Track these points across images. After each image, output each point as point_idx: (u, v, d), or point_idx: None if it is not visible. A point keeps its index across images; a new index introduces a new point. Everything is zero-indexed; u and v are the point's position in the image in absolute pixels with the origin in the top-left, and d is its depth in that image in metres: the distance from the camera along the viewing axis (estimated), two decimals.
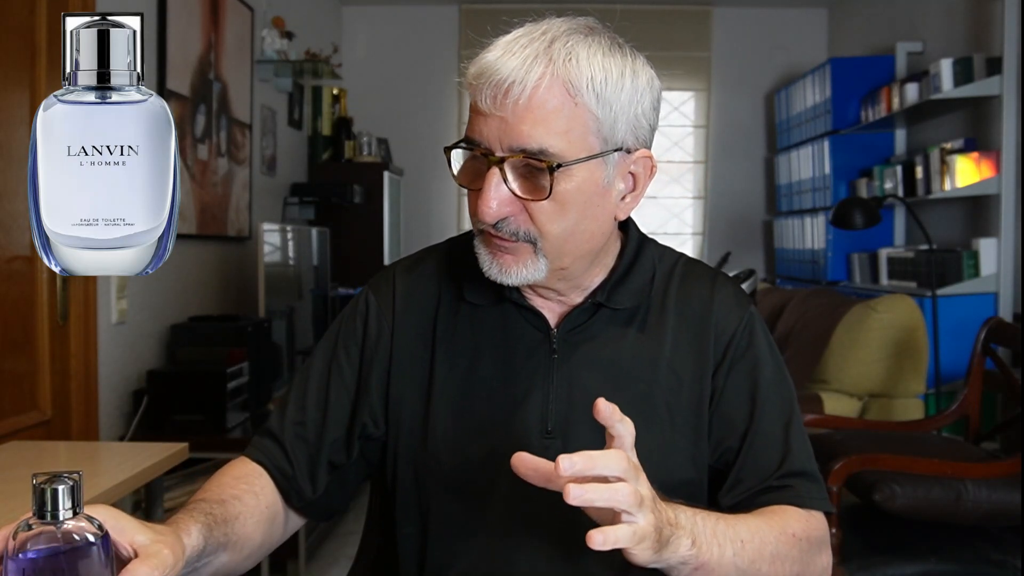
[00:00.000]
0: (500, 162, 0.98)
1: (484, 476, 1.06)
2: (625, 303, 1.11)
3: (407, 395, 1.12)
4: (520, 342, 1.11)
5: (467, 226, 1.09)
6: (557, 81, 0.97)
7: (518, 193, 1.00)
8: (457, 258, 1.17)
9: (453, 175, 1.05)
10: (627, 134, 1.02)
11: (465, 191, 1.07)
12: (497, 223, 1.00)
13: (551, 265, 1.04)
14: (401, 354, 1.13)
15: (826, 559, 1.10)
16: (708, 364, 1.11)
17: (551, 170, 0.98)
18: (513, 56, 0.97)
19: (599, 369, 1.09)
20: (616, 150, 1.02)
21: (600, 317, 1.10)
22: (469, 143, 1.01)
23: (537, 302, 1.12)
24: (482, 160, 1.01)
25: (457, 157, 1.05)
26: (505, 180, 0.99)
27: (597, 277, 1.11)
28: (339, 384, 1.14)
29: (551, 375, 1.09)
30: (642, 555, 0.87)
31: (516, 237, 1.01)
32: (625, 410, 1.05)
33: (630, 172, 1.06)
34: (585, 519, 1.04)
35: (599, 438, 1.03)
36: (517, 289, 1.11)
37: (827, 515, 1.13)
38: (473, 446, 1.08)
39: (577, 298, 1.11)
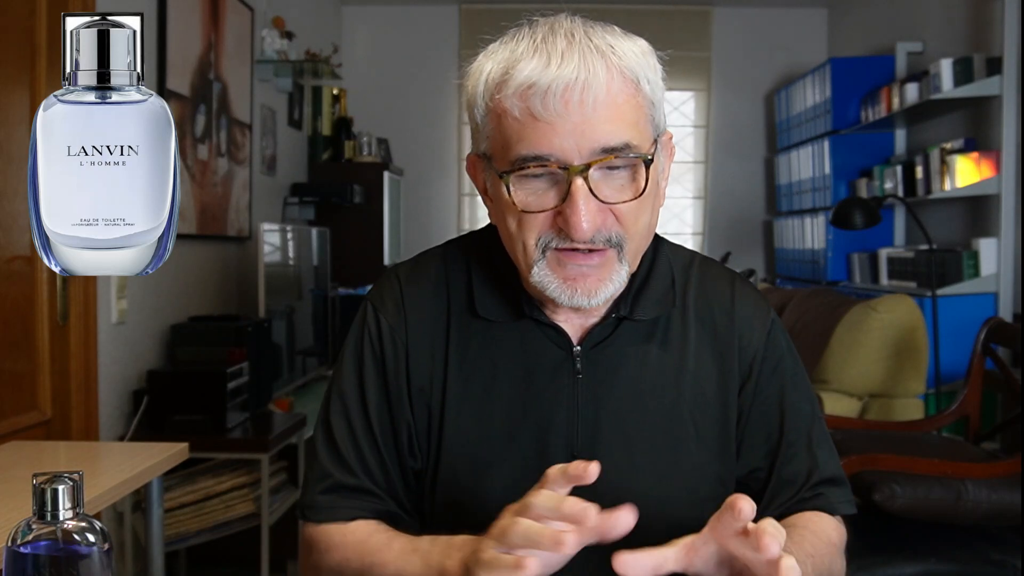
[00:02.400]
0: (584, 171, 0.92)
1: (506, 504, 0.99)
2: (648, 314, 1.05)
3: (423, 419, 1.06)
4: (541, 361, 1.04)
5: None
6: (619, 74, 0.93)
7: (609, 200, 0.94)
8: (461, 267, 1.09)
9: (511, 203, 0.95)
10: (662, 117, 1.00)
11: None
12: (592, 237, 0.94)
13: (629, 271, 0.99)
14: (416, 376, 1.06)
15: (843, 562, 1.10)
16: (733, 378, 1.07)
17: (646, 164, 0.95)
18: (564, 60, 0.91)
19: (624, 386, 1.04)
20: (659, 135, 1.00)
21: (622, 331, 1.05)
22: (535, 159, 0.92)
23: (559, 317, 1.05)
24: (557, 175, 0.93)
25: (514, 180, 0.95)
26: (591, 189, 0.92)
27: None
28: (382, 422, 1.06)
29: (576, 396, 1.03)
30: None
31: (608, 244, 0.95)
32: (651, 427, 1.04)
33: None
34: (609, 549, 1.02)
35: (626, 460, 1.03)
36: (537, 305, 1.05)
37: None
38: (493, 473, 1.03)
39: (598, 312, 1.05)
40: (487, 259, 1.08)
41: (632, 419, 1.04)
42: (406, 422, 1.06)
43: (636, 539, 1.03)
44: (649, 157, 0.95)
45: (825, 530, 1.05)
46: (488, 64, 0.97)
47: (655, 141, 0.98)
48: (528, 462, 1.01)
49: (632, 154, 0.94)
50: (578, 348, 1.04)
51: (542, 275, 0.97)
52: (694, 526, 1.03)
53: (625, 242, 0.97)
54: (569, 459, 1.00)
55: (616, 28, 0.98)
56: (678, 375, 1.05)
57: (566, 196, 0.93)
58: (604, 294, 0.98)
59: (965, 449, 2.65)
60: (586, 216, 0.92)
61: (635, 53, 0.96)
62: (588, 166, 0.92)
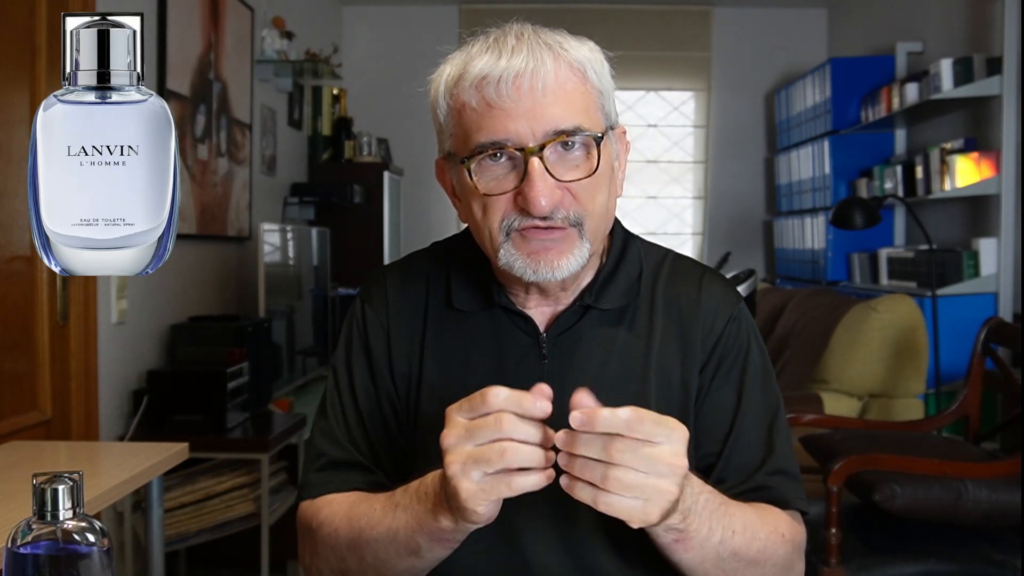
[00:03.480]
0: (539, 151, 0.98)
1: None
2: (614, 303, 1.10)
3: (405, 402, 1.13)
4: (510, 348, 1.10)
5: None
6: (566, 65, 1.01)
7: (565, 178, 1.00)
8: (442, 264, 1.16)
9: (475, 189, 1.02)
10: (613, 109, 1.07)
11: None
12: (551, 213, 1.00)
13: (591, 249, 1.04)
14: (398, 362, 1.13)
15: (801, 566, 1.11)
16: (695, 364, 1.10)
17: (597, 141, 1.01)
18: (513, 53, 0.99)
19: (590, 372, 1.08)
20: (611, 126, 1.06)
21: (589, 318, 1.10)
22: (492, 144, 1.00)
23: (529, 306, 1.11)
24: (515, 158, 1.00)
25: (475, 167, 1.02)
26: (547, 168, 0.99)
27: (586, 277, 1.11)
28: (370, 404, 1.13)
29: (542, 380, 1.07)
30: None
31: (567, 222, 1.01)
32: None
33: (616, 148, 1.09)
34: (586, 516, 1.05)
35: None
36: (507, 294, 1.10)
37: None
38: None
39: (566, 300, 1.10)
40: (465, 255, 1.15)
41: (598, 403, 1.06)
42: (392, 403, 1.13)
43: (599, 520, 1.04)
44: (599, 134, 1.02)
45: (775, 520, 1.06)
46: (447, 68, 1.06)
47: (608, 129, 1.05)
48: None
49: (584, 134, 1.00)
50: (544, 335, 1.09)
51: (508, 255, 1.03)
52: None
53: (584, 219, 1.02)
54: None
55: (565, 31, 1.06)
56: (644, 361, 1.09)
57: (524, 176, 0.99)
58: (567, 267, 1.02)
59: (965, 449, 2.65)
60: (543, 191, 0.98)
61: (581, 49, 1.04)
62: (543, 147, 0.99)
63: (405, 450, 1.13)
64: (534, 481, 0.85)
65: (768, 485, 1.09)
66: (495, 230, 1.02)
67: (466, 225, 1.16)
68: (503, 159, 1.01)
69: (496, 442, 0.85)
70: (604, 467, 0.84)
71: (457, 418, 0.88)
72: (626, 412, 0.84)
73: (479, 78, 0.99)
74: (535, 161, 0.98)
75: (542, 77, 0.98)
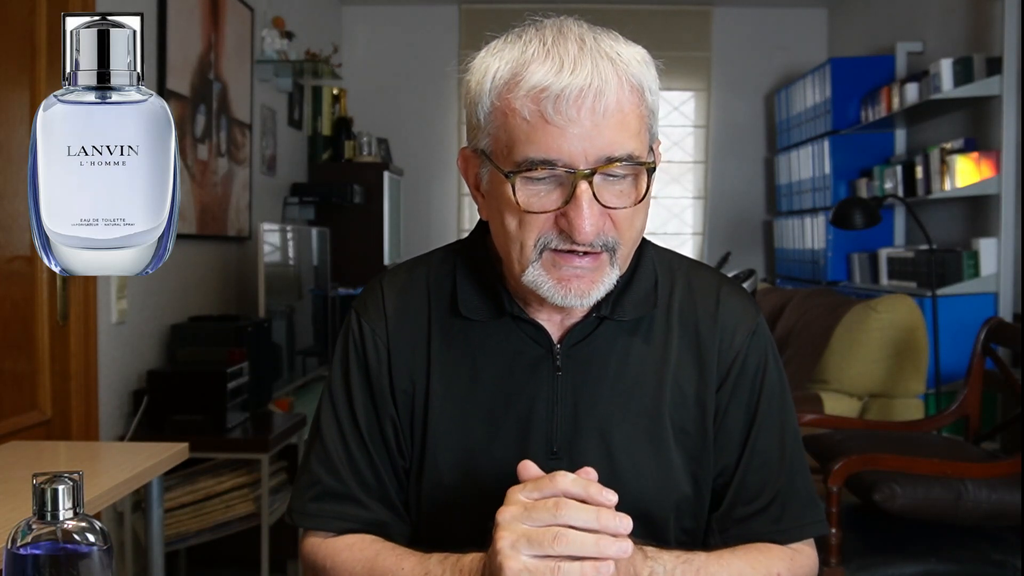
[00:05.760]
0: (590, 176, 0.93)
1: (490, 500, 1.01)
2: (629, 314, 1.06)
3: (407, 420, 1.09)
4: (521, 358, 1.06)
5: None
6: (628, 85, 0.95)
7: (610, 204, 0.96)
8: (446, 270, 1.11)
9: (514, 203, 0.96)
10: (657, 125, 1.02)
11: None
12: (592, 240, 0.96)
13: (619, 274, 1.01)
14: (399, 378, 1.08)
15: None
16: (711, 380, 1.08)
17: (650, 173, 0.97)
18: (576, 67, 0.93)
19: (604, 384, 1.06)
20: (651, 146, 1.01)
21: (604, 329, 1.06)
22: (543, 163, 0.94)
23: (541, 316, 1.07)
24: (562, 178, 0.94)
25: (518, 182, 0.95)
26: (595, 194, 0.94)
27: None
28: (370, 424, 1.09)
29: (555, 392, 1.05)
30: None
31: (604, 248, 0.97)
32: (631, 425, 1.06)
33: None
34: None
35: (605, 456, 1.04)
36: (518, 303, 1.06)
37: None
38: (476, 469, 1.05)
39: (580, 311, 1.06)
40: (471, 261, 1.10)
41: (611, 416, 1.05)
42: (392, 423, 1.08)
43: None
44: (653, 166, 0.97)
45: (769, 563, 1.04)
46: (495, 63, 0.98)
47: (651, 149, 1.00)
48: (509, 458, 1.02)
49: (635, 163, 0.96)
50: (558, 346, 1.06)
51: (536, 275, 0.99)
52: (668, 523, 1.04)
53: (619, 247, 0.99)
54: (548, 456, 1.03)
55: (617, 34, 1.00)
56: (659, 373, 1.07)
57: (570, 198, 0.94)
58: (595, 295, 0.99)
59: (965, 449, 2.65)
60: (589, 219, 0.94)
61: (638, 62, 0.97)
62: (594, 171, 0.94)
63: (407, 470, 1.10)
64: (579, 569, 0.84)
65: (779, 512, 1.07)
66: (529, 247, 0.97)
67: (470, 229, 1.13)
68: (548, 177, 0.95)
69: (552, 526, 0.85)
70: None
71: (518, 496, 0.88)
72: None
73: (537, 89, 0.93)
74: (584, 186, 0.93)
75: (605, 99, 0.92)
